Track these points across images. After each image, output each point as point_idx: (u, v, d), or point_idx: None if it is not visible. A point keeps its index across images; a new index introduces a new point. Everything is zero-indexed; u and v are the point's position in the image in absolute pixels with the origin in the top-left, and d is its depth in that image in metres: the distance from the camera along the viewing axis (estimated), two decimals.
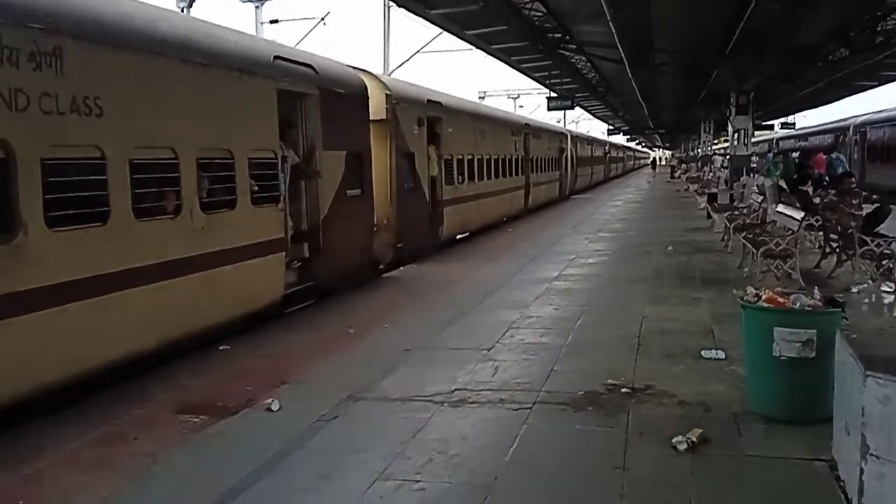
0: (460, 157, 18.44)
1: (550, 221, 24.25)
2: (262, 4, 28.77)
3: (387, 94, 13.84)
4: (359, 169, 12.02)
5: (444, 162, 17.05)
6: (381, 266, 13.81)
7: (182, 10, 24.66)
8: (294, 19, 31.79)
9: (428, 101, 16.42)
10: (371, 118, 12.75)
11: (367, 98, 12.51)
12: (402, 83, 16.41)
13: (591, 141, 51.38)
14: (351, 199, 11.58)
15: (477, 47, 26.84)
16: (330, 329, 9.16)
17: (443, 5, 19.63)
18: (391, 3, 24.92)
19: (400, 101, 14.39)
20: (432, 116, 16.34)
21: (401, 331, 9.00)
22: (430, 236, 16.32)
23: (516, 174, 25.32)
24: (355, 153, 11.84)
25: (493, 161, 21.64)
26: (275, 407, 6.18)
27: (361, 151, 12.23)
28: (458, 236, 18.81)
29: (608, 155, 60.55)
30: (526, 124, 28.59)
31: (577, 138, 42.65)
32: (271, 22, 29.14)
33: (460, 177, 18.33)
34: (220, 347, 8.36)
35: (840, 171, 24.04)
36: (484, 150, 20.65)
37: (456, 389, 6.48)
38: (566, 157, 36.36)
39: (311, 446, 5.41)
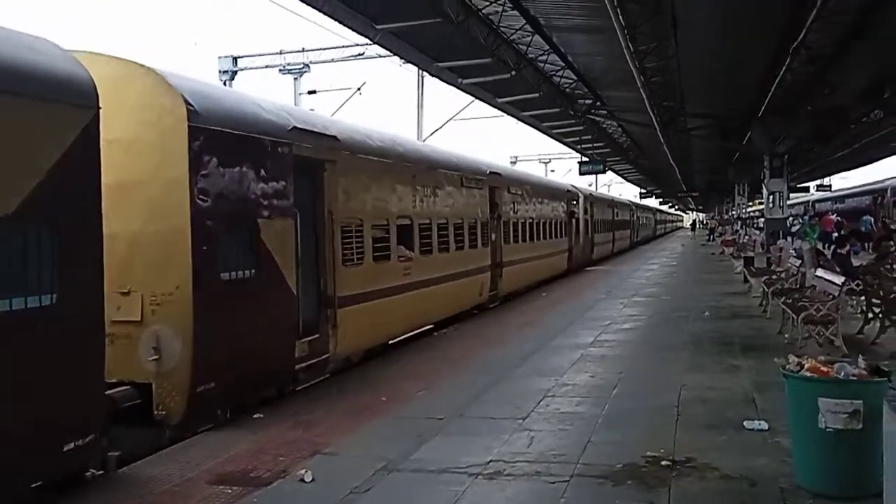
0: None
1: (585, 286, 24.07)
2: (301, 76, 29.72)
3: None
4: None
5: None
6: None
7: (224, 84, 25.60)
8: (331, 90, 32.89)
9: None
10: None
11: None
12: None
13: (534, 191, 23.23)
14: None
15: (508, 114, 27.33)
16: (363, 397, 9.10)
17: (475, 74, 20.11)
18: (425, 73, 25.55)
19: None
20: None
21: (435, 398, 8.91)
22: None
23: None
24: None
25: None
26: (308, 478, 6.11)
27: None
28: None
29: (578, 217, 29.51)
30: None
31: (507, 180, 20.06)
32: (309, 93, 30.03)
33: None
34: (255, 416, 8.36)
35: (863, 229, 24.29)
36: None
37: (491, 461, 6.37)
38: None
39: None
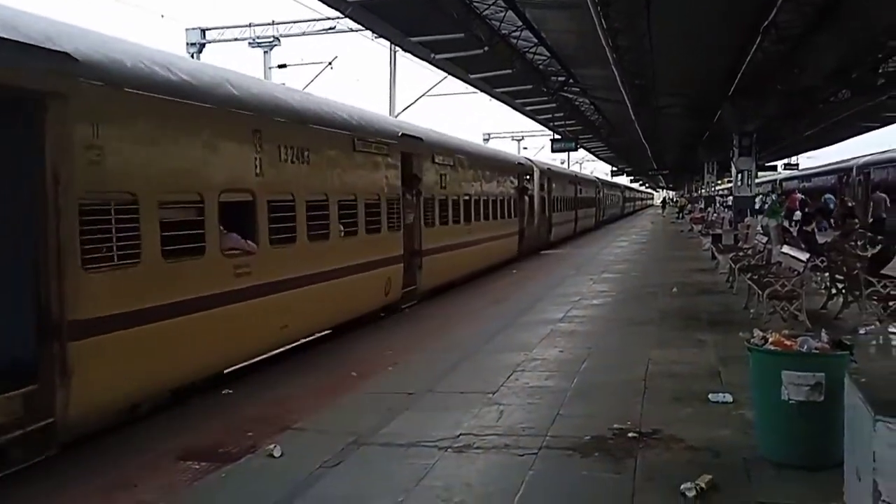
0: None
1: (555, 262, 24.21)
2: (271, 50, 29.28)
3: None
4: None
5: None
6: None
7: (192, 56, 25.13)
8: (302, 63, 32.01)
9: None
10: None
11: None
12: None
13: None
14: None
15: (481, 90, 27.22)
16: (333, 373, 9.10)
17: (447, 50, 19.96)
18: (397, 48, 25.31)
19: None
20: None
21: (405, 374, 8.93)
22: None
23: None
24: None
25: None
26: (277, 453, 6.10)
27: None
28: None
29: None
30: None
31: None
32: (280, 66, 29.61)
33: None
34: (224, 392, 8.32)
35: (831, 206, 24.93)
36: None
37: (461, 434, 6.40)
38: None
39: (313, 494, 5.33)
